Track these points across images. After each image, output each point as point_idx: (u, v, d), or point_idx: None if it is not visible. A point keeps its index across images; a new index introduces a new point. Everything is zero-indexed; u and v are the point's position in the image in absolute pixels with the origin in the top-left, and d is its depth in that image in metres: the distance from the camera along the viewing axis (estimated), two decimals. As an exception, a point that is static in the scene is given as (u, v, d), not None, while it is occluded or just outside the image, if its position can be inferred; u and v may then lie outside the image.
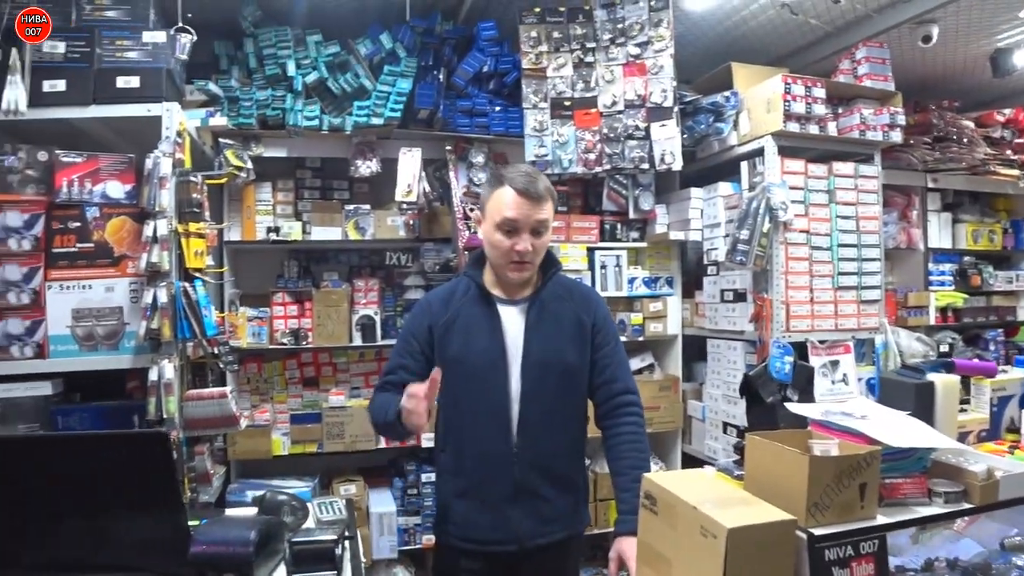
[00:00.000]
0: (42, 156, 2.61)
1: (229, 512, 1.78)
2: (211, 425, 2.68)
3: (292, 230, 3.50)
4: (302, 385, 3.78)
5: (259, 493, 3.27)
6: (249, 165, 3.31)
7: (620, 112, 3.44)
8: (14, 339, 2.57)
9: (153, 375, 2.52)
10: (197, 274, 2.67)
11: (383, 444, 3.60)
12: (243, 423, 2.83)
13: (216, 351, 2.76)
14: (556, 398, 2.12)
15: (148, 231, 2.52)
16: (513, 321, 2.13)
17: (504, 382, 2.08)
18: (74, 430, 2.61)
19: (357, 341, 3.60)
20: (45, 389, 2.62)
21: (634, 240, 3.91)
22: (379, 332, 3.60)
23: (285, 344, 3.52)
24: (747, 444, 1.82)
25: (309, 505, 1.76)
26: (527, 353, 2.09)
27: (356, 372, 3.85)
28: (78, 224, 2.61)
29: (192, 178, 2.67)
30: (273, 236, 3.49)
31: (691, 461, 3.92)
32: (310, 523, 1.68)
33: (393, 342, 3.59)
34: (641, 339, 3.88)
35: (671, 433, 3.97)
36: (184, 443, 2.69)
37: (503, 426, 2.07)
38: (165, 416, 2.52)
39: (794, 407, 2.10)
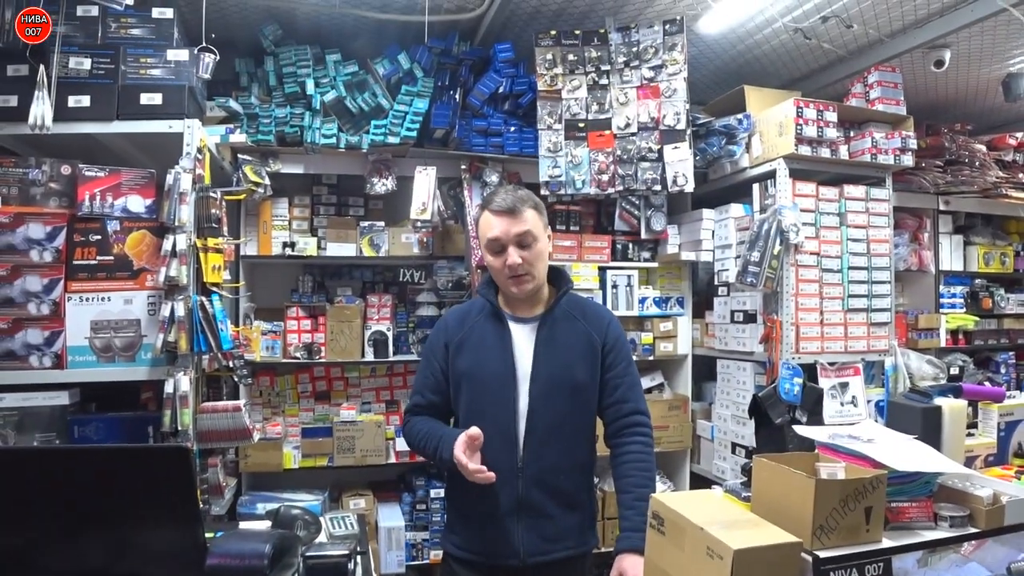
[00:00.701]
0: (65, 170, 2.66)
1: (243, 525, 1.81)
2: (224, 438, 2.71)
3: (307, 246, 3.54)
4: (314, 399, 3.82)
5: (272, 506, 3.31)
6: (267, 181, 3.36)
7: (633, 134, 3.48)
8: (33, 349, 2.62)
9: (169, 387, 2.55)
10: (214, 288, 2.71)
11: (393, 459, 3.63)
12: (256, 436, 2.86)
13: (231, 364, 2.79)
14: (564, 416, 2.14)
15: (167, 245, 2.56)
16: (523, 339, 2.17)
17: (512, 398, 2.11)
18: (89, 440, 2.65)
19: (369, 356, 3.63)
20: (62, 399, 2.65)
21: (645, 260, 3.94)
22: (391, 348, 3.64)
23: (298, 358, 3.56)
24: (754, 466, 1.84)
25: (321, 520, 1.80)
26: (536, 371, 2.12)
27: (367, 387, 3.88)
28: (99, 237, 2.65)
29: (211, 194, 2.72)
30: (288, 251, 3.53)
31: (700, 481, 3.93)
32: (322, 537, 1.71)
33: (404, 358, 3.68)
34: (651, 358, 3.90)
35: (680, 453, 3.98)
36: (198, 455, 2.72)
37: (510, 441, 2.10)
38: (180, 428, 2.55)
39: (802, 430, 2.12)
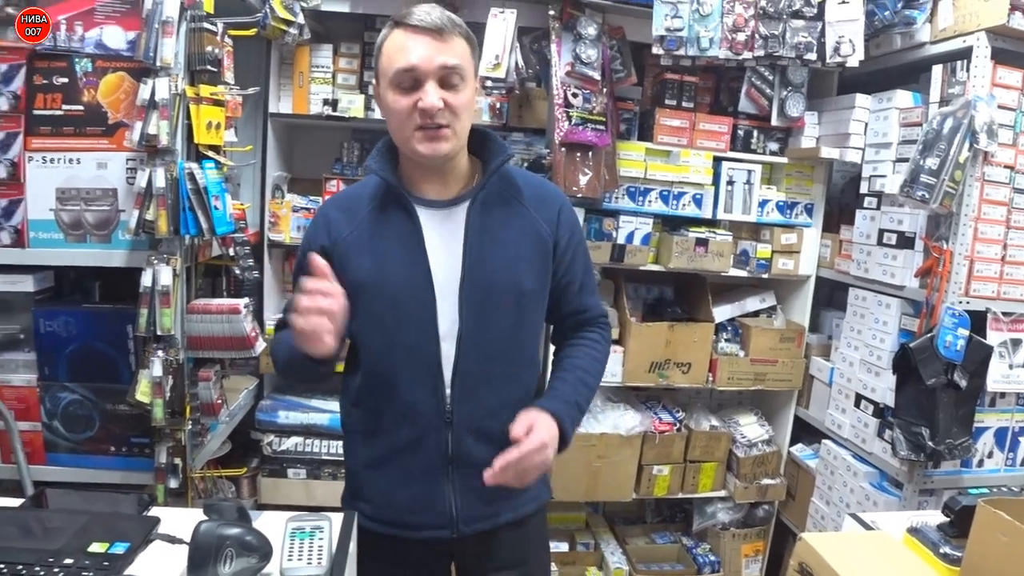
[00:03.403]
0: (27, -10, 2.04)
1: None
2: (218, 346, 2.16)
3: (352, 105, 2.86)
4: (356, 290, 3.24)
5: (296, 416, 2.81)
6: (300, 20, 2.64)
7: (787, -20, 2.58)
8: (-12, 220, 2.09)
9: (146, 279, 1.99)
10: (210, 153, 2.08)
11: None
12: (259, 345, 2.29)
13: (233, 252, 2.20)
14: (506, 336, 1.57)
15: (144, 93, 1.93)
16: (441, 231, 1.54)
17: (430, 316, 1.52)
18: (57, 336, 2.14)
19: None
20: (26, 285, 2.15)
21: (772, 153, 3.10)
22: (448, 236, 2.99)
23: (336, 243, 2.95)
24: (979, 519, 1.16)
25: (276, 537, 1.13)
26: (468, 275, 1.52)
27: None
28: (65, 80, 2.06)
29: (209, 26, 2.04)
30: (328, 111, 2.86)
31: (806, 429, 3.26)
32: (273, 569, 1.10)
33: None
34: (765, 276, 3.13)
35: (786, 394, 3.28)
36: (190, 363, 2.19)
37: (431, 375, 1.53)
38: (160, 332, 2.00)
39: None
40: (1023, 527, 1.04)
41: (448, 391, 1.53)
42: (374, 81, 1.54)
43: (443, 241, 1.53)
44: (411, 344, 1.52)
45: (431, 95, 1.41)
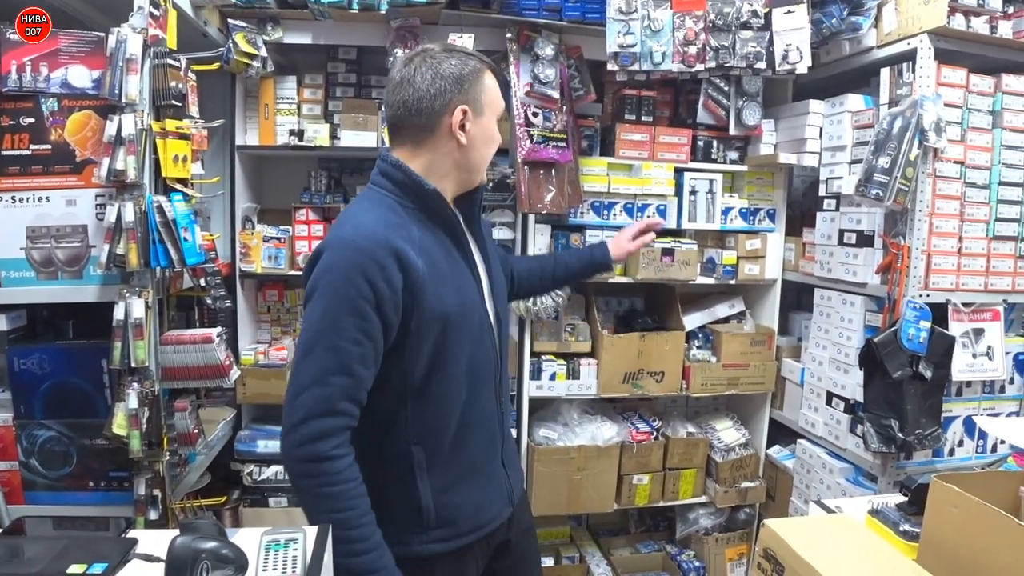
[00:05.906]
0: (-9, 34, 2.06)
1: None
2: (192, 376, 2.18)
3: (317, 134, 2.89)
4: (330, 317, 3.26)
5: (275, 444, 2.82)
6: (263, 53, 2.69)
7: (733, -8, 2.67)
8: (-42, 261, 2.10)
9: (119, 313, 2.00)
10: (178, 186, 2.11)
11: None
12: (233, 373, 2.31)
13: (204, 283, 2.22)
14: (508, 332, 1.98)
15: (111, 129, 1.96)
16: (469, 243, 1.69)
17: (489, 329, 1.64)
18: (32, 374, 2.15)
19: (392, 270, 3.02)
20: None
21: (732, 162, 3.18)
22: (418, 261, 3.02)
23: (308, 271, 2.97)
24: (932, 494, 1.21)
25: (252, 551, 1.15)
26: (493, 282, 1.70)
27: (392, 305, 3.30)
28: (32, 120, 2.08)
29: (172, 62, 2.07)
30: (295, 141, 2.90)
31: (781, 430, 3.31)
32: (246, 583, 1.13)
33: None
34: (732, 282, 3.19)
35: (760, 396, 3.33)
36: (166, 395, 2.20)
37: (493, 383, 1.68)
38: (134, 364, 2.01)
39: (989, 424, 1.47)
40: (974, 498, 1.08)
41: (499, 385, 1.69)
42: (467, 107, 1.54)
43: (474, 252, 1.67)
44: (484, 360, 1.62)
45: None
